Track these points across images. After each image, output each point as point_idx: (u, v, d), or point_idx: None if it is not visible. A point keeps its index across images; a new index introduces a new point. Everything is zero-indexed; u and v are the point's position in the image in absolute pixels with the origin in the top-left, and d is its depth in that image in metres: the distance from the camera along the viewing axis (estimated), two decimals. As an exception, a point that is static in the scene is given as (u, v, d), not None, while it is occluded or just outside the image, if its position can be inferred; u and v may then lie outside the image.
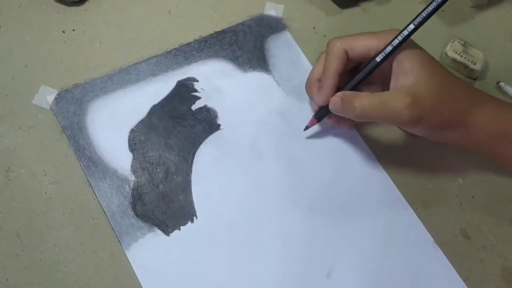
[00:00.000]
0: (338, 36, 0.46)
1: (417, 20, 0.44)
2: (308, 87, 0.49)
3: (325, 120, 0.50)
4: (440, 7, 0.43)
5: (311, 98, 0.49)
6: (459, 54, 0.55)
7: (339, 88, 0.47)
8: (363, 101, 0.44)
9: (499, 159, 0.47)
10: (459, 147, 0.49)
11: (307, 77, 0.49)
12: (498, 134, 0.45)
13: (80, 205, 0.46)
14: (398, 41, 0.44)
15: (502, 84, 0.55)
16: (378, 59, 0.45)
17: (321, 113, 0.49)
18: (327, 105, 0.46)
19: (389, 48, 0.44)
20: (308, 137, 0.51)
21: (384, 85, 0.46)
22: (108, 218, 0.46)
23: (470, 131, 0.45)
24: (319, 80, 0.48)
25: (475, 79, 0.56)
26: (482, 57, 0.55)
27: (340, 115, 0.46)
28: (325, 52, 0.47)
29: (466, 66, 0.55)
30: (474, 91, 0.46)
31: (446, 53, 0.55)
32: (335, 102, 0.45)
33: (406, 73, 0.44)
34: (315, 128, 0.51)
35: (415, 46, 0.45)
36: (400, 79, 0.44)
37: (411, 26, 0.44)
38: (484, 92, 0.46)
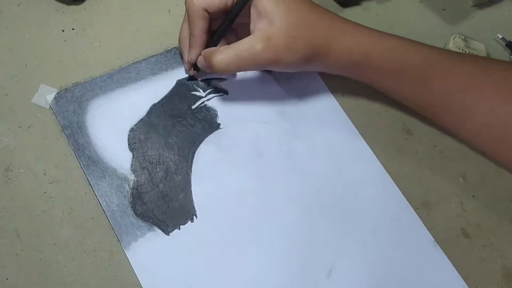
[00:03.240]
0: None
1: None
2: (179, 43, 0.50)
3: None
4: None
5: (181, 53, 0.50)
6: (462, 49, 0.55)
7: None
8: (221, 57, 0.44)
9: (363, 82, 0.49)
10: (321, 72, 0.50)
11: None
12: (362, 61, 0.46)
13: (80, 204, 0.46)
14: None
15: None
16: (233, 11, 0.45)
17: (196, 65, 0.49)
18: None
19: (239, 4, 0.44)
20: (307, 136, 0.51)
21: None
22: (108, 217, 0.46)
23: (331, 61, 0.46)
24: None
25: None
26: (483, 48, 0.55)
27: (209, 71, 0.47)
28: (186, 12, 0.47)
29: None
30: (337, 21, 0.46)
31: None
32: (200, 61, 0.48)
33: (261, 16, 0.44)
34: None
35: None
36: (257, 22, 0.45)
37: None
38: (348, 21, 0.47)
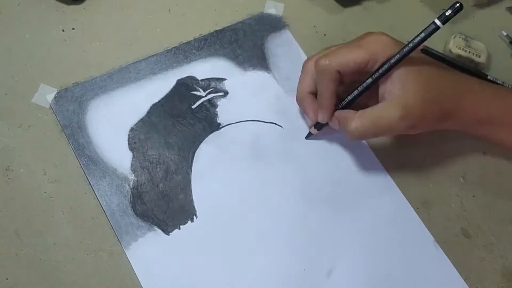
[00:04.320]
0: (323, 54, 0.46)
1: (412, 43, 0.43)
2: (300, 100, 0.49)
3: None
4: (448, 20, 0.42)
5: (304, 112, 0.50)
6: (462, 49, 0.55)
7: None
8: (358, 124, 0.44)
9: (491, 141, 0.49)
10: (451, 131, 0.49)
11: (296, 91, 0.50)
12: (487, 119, 0.46)
13: (80, 204, 0.46)
14: (397, 61, 0.43)
15: None
16: (370, 80, 0.45)
17: (321, 125, 0.49)
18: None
19: (386, 68, 0.44)
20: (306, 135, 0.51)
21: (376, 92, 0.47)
22: (108, 217, 0.46)
23: (460, 120, 0.46)
24: (311, 93, 0.48)
25: (480, 71, 0.56)
26: (484, 48, 0.55)
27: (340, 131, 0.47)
28: (316, 72, 0.46)
29: (471, 60, 0.55)
30: (462, 80, 0.47)
31: (450, 50, 0.55)
32: (334, 123, 0.47)
33: (393, 81, 0.44)
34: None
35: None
36: (389, 86, 0.44)
37: (405, 51, 0.43)
38: (473, 78, 0.48)
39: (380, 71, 0.44)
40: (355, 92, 0.46)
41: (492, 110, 0.46)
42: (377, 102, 0.45)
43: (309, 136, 0.51)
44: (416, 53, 0.45)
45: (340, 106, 0.47)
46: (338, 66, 0.44)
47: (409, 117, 0.43)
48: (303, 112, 0.50)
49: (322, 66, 0.45)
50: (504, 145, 0.49)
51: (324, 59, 0.45)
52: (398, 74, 0.44)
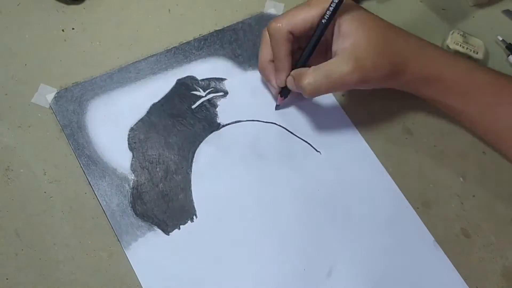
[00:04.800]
0: (275, 18, 0.47)
1: None
2: (262, 70, 0.50)
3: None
4: None
5: (267, 80, 0.51)
6: (460, 45, 0.55)
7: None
8: (310, 78, 0.45)
9: (440, 106, 0.50)
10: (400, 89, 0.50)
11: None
12: (435, 79, 0.47)
13: (80, 204, 0.46)
14: (333, 8, 0.44)
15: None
16: (317, 32, 0.45)
17: (285, 91, 0.50)
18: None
19: (326, 17, 0.44)
20: (307, 136, 0.51)
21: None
22: (108, 217, 0.46)
23: (409, 76, 0.46)
24: (271, 61, 0.49)
25: None
26: (482, 45, 0.55)
27: (298, 91, 0.47)
28: (269, 36, 0.47)
29: (469, 57, 0.55)
30: (413, 38, 0.47)
31: (448, 46, 0.55)
32: (290, 82, 0.48)
33: (345, 36, 0.45)
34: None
35: (352, 7, 0.46)
36: (340, 42, 0.45)
37: None
38: (421, 39, 0.48)
39: (323, 20, 0.45)
40: (306, 49, 0.47)
41: (441, 70, 0.46)
42: None
43: (277, 107, 0.51)
44: (366, 11, 0.46)
45: (297, 67, 0.48)
46: (289, 26, 0.45)
47: (360, 69, 0.44)
48: (266, 80, 0.51)
49: (273, 29, 0.46)
50: (452, 111, 0.49)
51: (274, 22, 0.46)
52: (348, 30, 0.44)
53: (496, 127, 0.48)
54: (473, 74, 0.47)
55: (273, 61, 0.49)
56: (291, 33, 0.46)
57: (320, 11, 0.45)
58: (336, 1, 0.44)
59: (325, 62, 0.45)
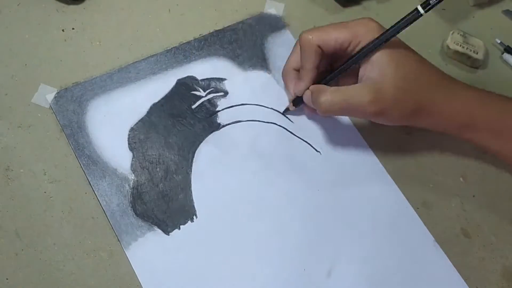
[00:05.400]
0: (310, 29, 0.47)
1: (399, 25, 0.44)
2: (284, 75, 0.51)
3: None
4: (431, 8, 0.43)
5: (286, 86, 0.51)
6: (460, 45, 0.55)
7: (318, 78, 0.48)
8: (328, 97, 0.45)
9: (476, 146, 0.48)
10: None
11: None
12: (469, 124, 0.46)
13: (80, 204, 0.46)
14: (376, 44, 0.44)
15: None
16: (348, 61, 0.46)
17: (298, 100, 0.50)
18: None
19: (365, 51, 0.44)
20: (307, 136, 0.51)
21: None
22: (108, 217, 0.46)
23: (436, 119, 0.46)
24: (295, 70, 0.49)
25: (477, 68, 0.56)
26: (482, 45, 0.55)
27: (312, 106, 0.48)
28: (299, 46, 0.47)
29: (469, 57, 0.55)
30: (445, 79, 0.46)
31: (448, 46, 0.55)
32: (307, 95, 0.48)
33: (374, 65, 0.44)
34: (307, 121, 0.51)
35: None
36: (368, 70, 0.45)
37: (385, 35, 0.44)
38: (455, 79, 0.47)
39: (359, 53, 0.45)
40: (334, 72, 0.47)
41: (472, 115, 0.46)
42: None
43: (286, 111, 0.51)
44: (402, 44, 0.45)
45: (319, 83, 0.48)
46: (319, 42, 0.46)
47: (378, 102, 0.43)
48: (285, 86, 0.51)
49: (304, 39, 0.46)
50: (488, 150, 0.48)
51: (307, 33, 0.46)
52: (378, 60, 0.44)
53: None
54: (506, 115, 0.46)
55: (297, 70, 0.49)
56: (320, 47, 0.46)
57: (353, 35, 0.45)
58: (384, 40, 0.43)
59: (347, 86, 0.45)
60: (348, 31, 0.45)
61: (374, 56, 0.44)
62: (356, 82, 0.46)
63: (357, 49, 0.45)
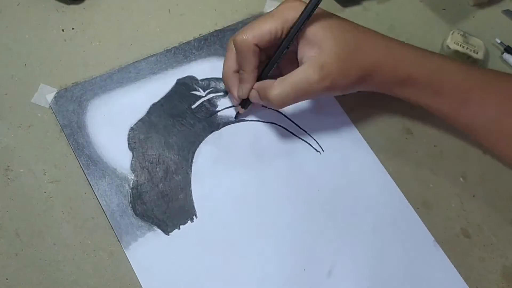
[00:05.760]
0: (240, 31, 0.46)
1: None
2: (225, 80, 0.49)
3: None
4: None
5: (229, 91, 0.50)
6: (460, 45, 0.55)
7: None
8: (277, 91, 0.44)
9: (417, 104, 0.48)
10: (373, 91, 0.48)
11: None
12: (407, 80, 0.46)
13: (80, 204, 0.46)
14: (302, 19, 0.43)
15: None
16: (284, 43, 0.45)
17: (246, 102, 0.49)
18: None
19: (292, 31, 0.44)
20: (307, 136, 0.51)
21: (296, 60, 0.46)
22: (108, 217, 0.45)
23: (380, 79, 0.46)
24: (236, 71, 0.48)
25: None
26: (482, 45, 0.55)
27: (263, 104, 0.47)
28: (235, 50, 0.46)
29: (469, 57, 0.55)
30: (382, 41, 0.46)
31: (447, 46, 0.55)
32: (254, 95, 0.47)
33: (311, 43, 0.44)
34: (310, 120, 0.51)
35: (319, 13, 0.45)
36: (307, 50, 0.44)
37: (306, 10, 0.43)
38: (392, 39, 0.47)
39: (288, 35, 0.44)
40: (271, 61, 0.46)
41: (410, 71, 0.46)
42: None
43: (237, 115, 0.51)
44: (333, 15, 0.45)
45: (262, 79, 0.47)
46: (254, 40, 0.45)
47: (327, 77, 0.43)
48: (228, 91, 0.50)
49: (239, 42, 0.45)
50: (430, 109, 0.48)
51: (240, 34, 0.45)
52: (315, 36, 0.44)
53: (472, 126, 0.47)
54: (444, 73, 0.46)
55: (237, 71, 0.48)
56: (257, 45, 0.45)
57: (284, 21, 0.44)
58: (307, 15, 0.43)
59: (291, 73, 0.44)
60: (277, 19, 0.45)
61: (309, 34, 0.44)
62: (298, 66, 0.45)
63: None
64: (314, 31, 0.44)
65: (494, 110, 0.46)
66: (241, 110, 0.50)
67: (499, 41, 0.57)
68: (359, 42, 0.45)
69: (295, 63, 0.46)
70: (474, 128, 0.48)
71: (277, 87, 0.44)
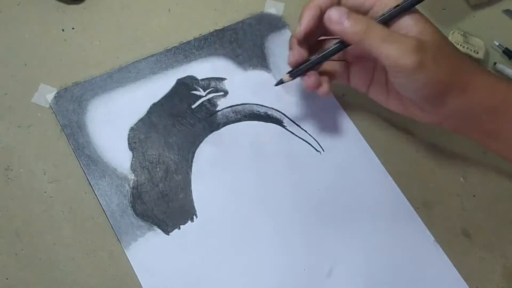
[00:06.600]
0: None
1: None
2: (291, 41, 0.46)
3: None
4: None
5: (290, 38, 0.46)
6: (460, 45, 0.55)
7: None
8: (372, 22, 0.40)
9: (496, 137, 0.44)
10: (455, 125, 0.45)
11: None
12: (496, 105, 0.42)
13: (80, 204, 0.46)
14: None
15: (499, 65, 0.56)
16: (394, 12, 0.41)
17: (296, 72, 0.46)
18: (303, 64, 0.45)
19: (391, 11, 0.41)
20: (307, 136, 0.51)
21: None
22: (108, 217, 0.45)
23: (469, 98, 0.42)
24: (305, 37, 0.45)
25: None
26: (483, 45, 0.55)
27: (335, 31, 0.41)
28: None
29: (469, 56, 0.55)
30: (471, 61, 0.44)
31: None
32: (337, 12, 0.41)
33: (409, 27, 0.41)
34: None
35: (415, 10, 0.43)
36: (403, 31, 0.41)
37: None
38: (478, 63, 0.45)
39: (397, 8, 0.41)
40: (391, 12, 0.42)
41: (508, 98, 0.42)
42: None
43: (279, 82, 0.47)
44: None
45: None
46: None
47: (421, 51, 0.39)
48: (290, 40, 0.46)
49: None
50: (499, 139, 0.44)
51: None
52: (417, 24, 0.41)
53: None
54: None
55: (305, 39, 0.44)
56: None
57: None
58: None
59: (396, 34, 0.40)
60: None
61: (410, 22, 0.41)
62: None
63: (386, 10, 0.41)
64: (414, 19, 0.41)
65: None
66: (287, 78, 0.46)
67: (497, 44, 0.57)
68: (453, 49, 0.42)
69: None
70: None
71: (374, 21, 0.41)
